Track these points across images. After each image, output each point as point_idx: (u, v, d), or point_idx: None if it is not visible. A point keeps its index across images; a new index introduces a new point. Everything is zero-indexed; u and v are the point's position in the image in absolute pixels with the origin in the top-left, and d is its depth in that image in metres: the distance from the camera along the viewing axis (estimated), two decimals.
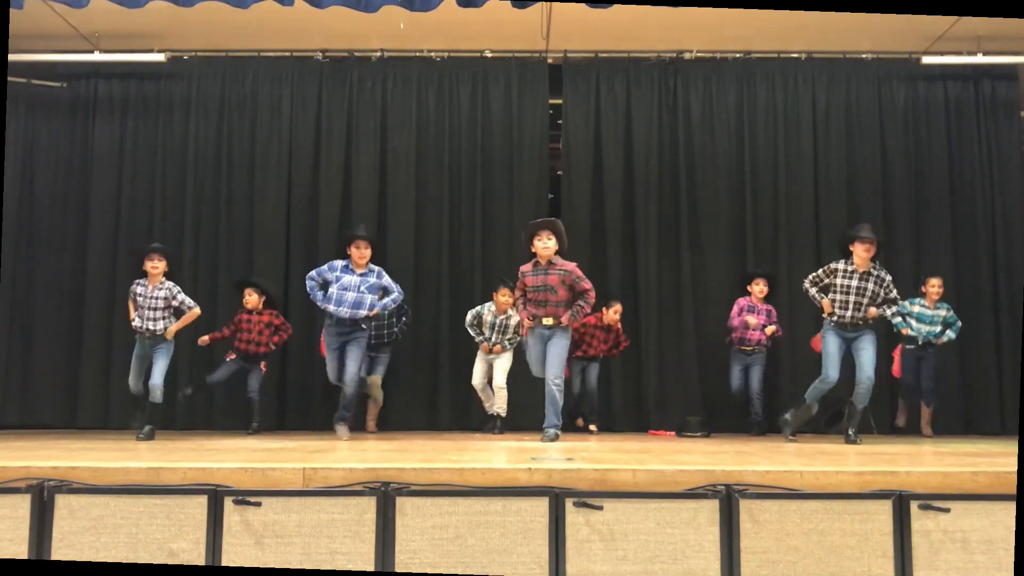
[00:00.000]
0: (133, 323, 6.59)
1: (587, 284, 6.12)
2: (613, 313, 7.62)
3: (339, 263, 6.63)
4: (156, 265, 6.51)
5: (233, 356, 7.39)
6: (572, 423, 7.56)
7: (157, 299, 6.49)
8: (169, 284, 6.56)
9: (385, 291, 6.63)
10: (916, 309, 7.49)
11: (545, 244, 6.06)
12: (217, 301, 8.11)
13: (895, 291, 6.31)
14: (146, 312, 6.49)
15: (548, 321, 6.05)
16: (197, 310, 6.67)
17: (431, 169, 8.39)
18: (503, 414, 7.30)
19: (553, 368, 6.02)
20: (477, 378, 7.41)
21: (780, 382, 8.06)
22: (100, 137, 8.41)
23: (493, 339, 7.39)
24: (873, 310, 6.20)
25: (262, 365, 7.44)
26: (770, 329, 7.62)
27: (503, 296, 7.30)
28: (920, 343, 7.43)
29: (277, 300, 7.71)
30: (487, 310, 7.49)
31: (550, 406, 6.03)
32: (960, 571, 3.37)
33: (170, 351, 6.57)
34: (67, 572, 3.21)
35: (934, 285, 7.50)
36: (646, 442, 6.24)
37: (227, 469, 3.67)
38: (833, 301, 6.25)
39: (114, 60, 8.13)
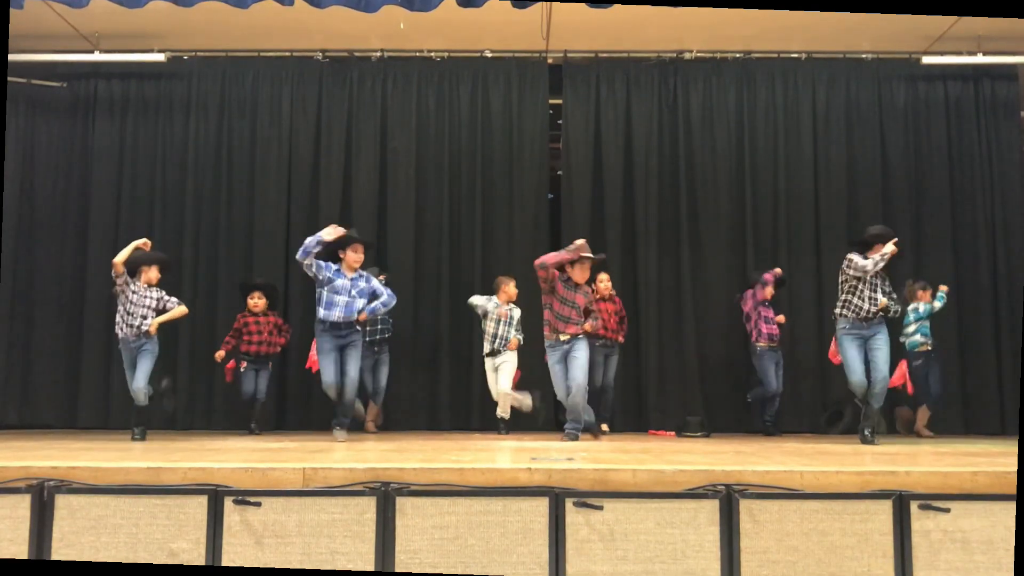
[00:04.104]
0: (121, 329, 6.51)
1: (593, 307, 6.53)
2: (604, 286, 7.51)
3: (332, 265, 6.41)
4: (151, 277, 6.60)
5: (245, 365, 7.35)
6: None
7: (150, 299, 6.57)
8: (156, 288, 6.63)
9: (374, 295, 6.49)
10: (922, 309, 7.41)
11: (584, 273, 6.22)
12: (217, 301, 8.13)
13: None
14: (138, 310, 6.50)
15: (565, 337, 6.15)
16: (184, 308, 6.78)
17: (431, 169, 8.39)
18: (507, 417, 7.27)
19: (579, 375, 6.12)
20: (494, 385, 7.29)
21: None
22: (100, 137, 8.42)
23: (500, 332, 7.25)
24: (883, 299, 6.15)
25: (269, 366, 7.48)
26: (780, 317, 7.58)
27: (511, 287, 7.29)
28: (930, 349, 7.39)
29: (278, 302, 7.74)
30: (491, 303, 7.34)
31: (575, 409, 6.17)
32: (960, 571, 3.37)
33: (155, 353, 6.54)
34: (67, 572, 3.21)
35: (923, 288, 7.50)
36: (646, 442, 6.25)
37: (227, 469, 3.67)
38: (861, 294, 6.14)
39: (114, 60, 8.14)
